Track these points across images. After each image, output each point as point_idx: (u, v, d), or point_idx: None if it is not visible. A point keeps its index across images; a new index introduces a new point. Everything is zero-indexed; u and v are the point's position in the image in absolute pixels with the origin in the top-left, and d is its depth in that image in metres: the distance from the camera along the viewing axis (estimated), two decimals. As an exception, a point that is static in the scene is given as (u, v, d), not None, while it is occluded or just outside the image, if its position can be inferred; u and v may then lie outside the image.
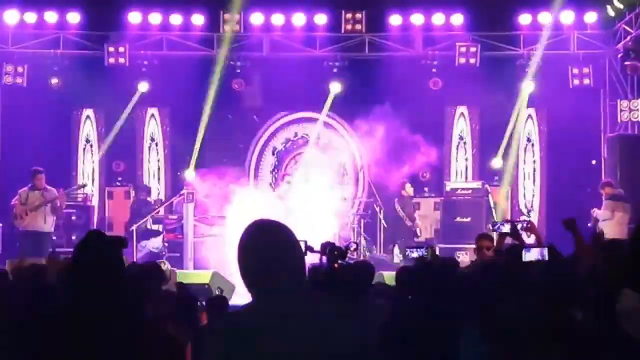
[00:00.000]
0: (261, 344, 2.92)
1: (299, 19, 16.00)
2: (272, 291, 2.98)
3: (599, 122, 16.46)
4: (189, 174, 15.22)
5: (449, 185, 15.74)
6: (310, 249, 5.46)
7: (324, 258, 5.40)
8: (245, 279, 3.04)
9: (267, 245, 3.00)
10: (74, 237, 14.41)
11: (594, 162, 16.28)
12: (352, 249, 5.36)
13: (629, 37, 15.24)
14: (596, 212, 13.64)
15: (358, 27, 16.10)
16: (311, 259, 5.50)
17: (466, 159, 16.92)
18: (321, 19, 16.00)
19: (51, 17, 15.83)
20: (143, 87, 16.00)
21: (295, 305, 2.96)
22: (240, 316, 3.05)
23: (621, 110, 15.86)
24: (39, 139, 15.89)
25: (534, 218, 16.18)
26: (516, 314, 4.62)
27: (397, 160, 14.82)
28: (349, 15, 16.07)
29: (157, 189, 16.88)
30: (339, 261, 5.44)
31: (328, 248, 5.50)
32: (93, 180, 16.80)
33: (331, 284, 5.17)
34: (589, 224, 13.56)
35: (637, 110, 15.72)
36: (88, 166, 16.90)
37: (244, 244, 3.03)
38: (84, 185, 15.33)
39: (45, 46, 16.06)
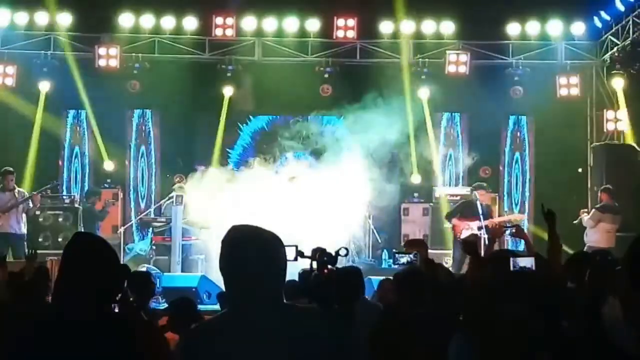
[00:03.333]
0: (232, 355, 2.91)
1: (291, 24, 16.07)
2: (246, 301, 2.96)
3: (585, 131, 16.64)
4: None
5: (438, 191, 15.82)
6: (300, 254, 5.49)
7: (315, 263, 5.44)
8: (224, 285, 3.05)
9: (242, 253, 2.98)
10: (60, 239, 14.35)
11: (580, 170, 16.44)
12: (342, 254, 5.38)
13: (615, 48, 15.41)
14: (583, 215, 13.75)
15: (350, 33, 16.18)
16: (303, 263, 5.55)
17: (455, 166, 17.02)
18: (313, 24, 16.07)
19: (42, 17, 15.80)
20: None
21: (268, 316, 2.94)
22: (212, 326, 3.05)
23: (607, 120, 16.04)
24: (28, 140, 15.83)
25: (522, 225, 16.29)
26: (504, 322, 4.70)
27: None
28: (341, 22, 16.15)
29: (144, 191, 16.90)
30: (329, 266, 5.47)
31: (318, 253, 5.52)
32: (83, 182, 16.78)
33: (321, 290, 5.21)
34: (574, 222, 13.72)
35: (623, 120, 15.89)
36: (77, 168, 16.85)
37: (221, 250, 3.01)
38: (56, 185, 15.22)
39: (36, 47, 16.01)
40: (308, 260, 5.49)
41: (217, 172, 14.06)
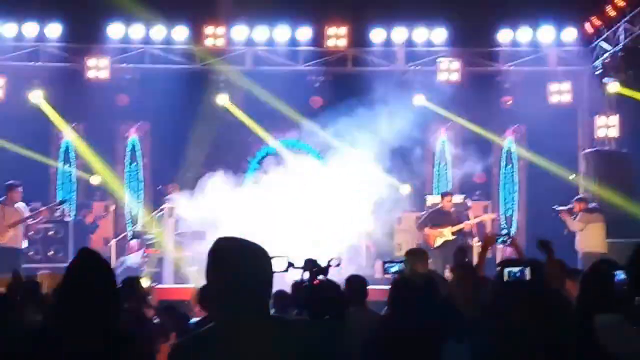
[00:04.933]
0: None
1: (282, 33, 16.03)
2: (233, 313, 2.94)
3: (576, 137, 16.64)
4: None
5: (430, 200, 15.78)
6: (291, 265, 5.45)
7: (306, 274, 5.39)
8: (211, 297, 3.02)
9: (228, 265, 2.95)
10: (50, 253, 14.22)
11: (571, 177, 16.41)
12: (334, 264, 5.33)
13: (606, 54, 15.41)
14: (566, 218, 13.63)
15: (341, 42, 16.16)
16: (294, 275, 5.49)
17: (447, 174, 17.00)
18: (304, 33, 16.04)
19: (31, 28, 15.72)
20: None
21: (255, 328, 2.91)
22: (200, 339, 3.01)
23: (598, 127, 16.04)
24: (17, 152, 15.73)
25: (514, 232, 16.30)
26: (501, 330, 4.65)
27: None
28: (332, 31, 16.13)
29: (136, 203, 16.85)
30: (320, 277, 5.42)
31: (309, 264, 5.48)
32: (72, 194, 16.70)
33: (312, 301, 5.17)
34: (564, 232, 13.67)
35: (614, 126, 15.89)
36: (67, 180, 16.77)
37: (207, 262, 2.98)
38: (63, 202, 15.14)
39: (25, 58, 15.95)
40: (300, 271, 5.48)
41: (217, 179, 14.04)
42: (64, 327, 3.29)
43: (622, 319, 4.70)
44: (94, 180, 16.18)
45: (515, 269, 6.09)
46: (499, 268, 5.27)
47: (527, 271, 6.14)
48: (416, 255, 8.22)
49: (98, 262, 3.40)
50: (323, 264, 5.52)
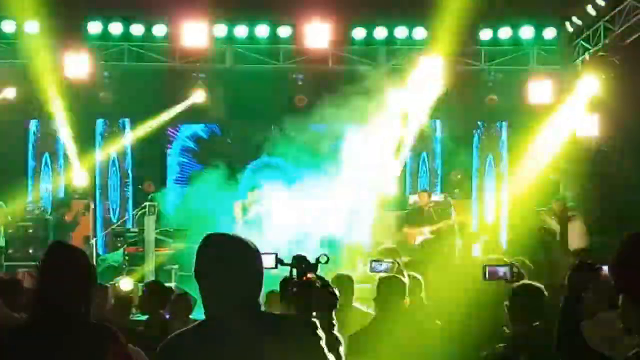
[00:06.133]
0: None
1: (263, 31, 15.99)
2: (222, 309, 2.92)
3: (557, 136, 16.68)
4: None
5: (412, 198, 15.79)
6: (280, 261, 5.40)
7: (294, 271, 5.34)
8: (200, 294, 2.99)
9: (218, 261, 2.94)
10: (31, 251, 14.12)
11: (551, 177, 16.48)
12: (323, 261, 5.29)
13: (587, 53, 15.49)
14: (545, 218, 13.68)
15: (322, 40, 16.11)
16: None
17: (429, 172, 17.02)
18: (285, 31, 16.00)
19: (9, 25, 15.52)
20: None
21: (244, 324, 2.90)
22: (189, 335, 2.99)
23: (579, 126, 16.11)
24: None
25: (496, 231, 16.34)
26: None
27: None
28: (313, 28, 16.07)
29: (116, 201, 16.75)
30: (309, 274, 5.37)
31: (297, 261, 5.43)
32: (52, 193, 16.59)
33: (301, 297, 5.12)
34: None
35: (595, 125, 15.97)
36: (45, 178, 16.64)
37: (196, 258, 2.97)
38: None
39: (3, 55, 15.78)
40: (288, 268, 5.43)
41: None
42: (41, 322, 3.27)
43: (609, 317, 4.72)
44: (78, 178, 16.07)
45: (495, 267, 6.14)
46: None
47: (508, 270, 6.16)
48: (389, 253, 8.37)
49: (69, 254, 3.41)
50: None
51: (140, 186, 16.11)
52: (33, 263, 12.82)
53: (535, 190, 15.90)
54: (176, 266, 13.44)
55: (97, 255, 14.73)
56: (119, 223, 15.71)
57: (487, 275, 5.72)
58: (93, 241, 14.80)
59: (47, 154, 16.67)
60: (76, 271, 3.34)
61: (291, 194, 13.98)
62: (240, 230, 11.01)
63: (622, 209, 14.03)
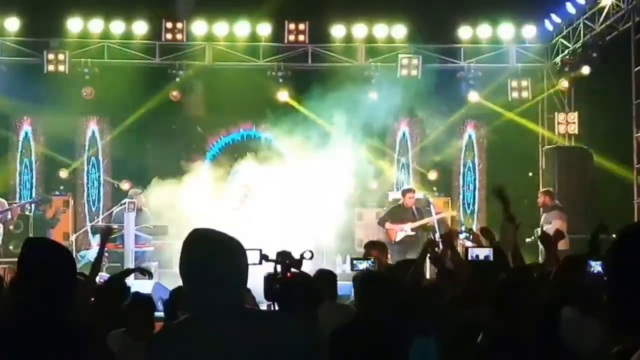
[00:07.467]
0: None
1: (242, 28, 15.96)
2: (207, 306, 2.90)
3: (537, 134, 16.80)
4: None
5: (391, 196, 15.83)
6: (265, 257, 5.42)
7: (279, 267, 5.35)
8: (185, 290, 2.99)
9: (202, 257, 2.91)
10: (11, 247, 14.05)
11: (530, 174, 16.60)
12: (307, 257, 5.30)
13: (566, 51, 15.59)
14: (544, 220, 13.77)
15: (301, 37, 16.14)
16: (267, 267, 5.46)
17: (407, 170, 17.06)
18: (264, 29, 15.98)
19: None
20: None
21: (229, 321, 2.88)
22: (173, 332, 2.98)
23: (558, 123, 16.24)
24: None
25: (475, 228, 16.38)
26: (470, 323, 4.67)
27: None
28: (292, 26, 16.09)
29: (96, 198, 16.70)
30: (292, 270, 5.39)
31: (281, 257, 5.44)
32: (32, 188, 16.49)
33: (285, 294, 5.13)
34: (527, 239, 13.78)
35: (574, 122, 16.10)
36: (27, 175, 16.57)
37: (181, 254, 2.95)
38: (38, 200, 14.98)
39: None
40: (272, 264, 5.45)
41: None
42: (16, 323, 3.22)
43: (582, 313, 4.76)
44: (62, 174, 16.09)
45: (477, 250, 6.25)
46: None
47: (490, 252, 6.29)
48: (376, 247, 8.35)
49: (45, 252, 3.32)
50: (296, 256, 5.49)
51: (116, 185, 16.11)
52: (14, 259, 12.76)
53: (512, 189, 15.97)
54: (156, 263, 13.40)
55: (77, 251, 14.63)
56: (98, 220, 15.64)
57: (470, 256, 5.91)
58: (73, 238, 14.73)
59: (28, 150, 16.59)
60: (53, 270, 3.24)
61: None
62: (223, 223, 10.97)
63: (600, 204, 14.16)
